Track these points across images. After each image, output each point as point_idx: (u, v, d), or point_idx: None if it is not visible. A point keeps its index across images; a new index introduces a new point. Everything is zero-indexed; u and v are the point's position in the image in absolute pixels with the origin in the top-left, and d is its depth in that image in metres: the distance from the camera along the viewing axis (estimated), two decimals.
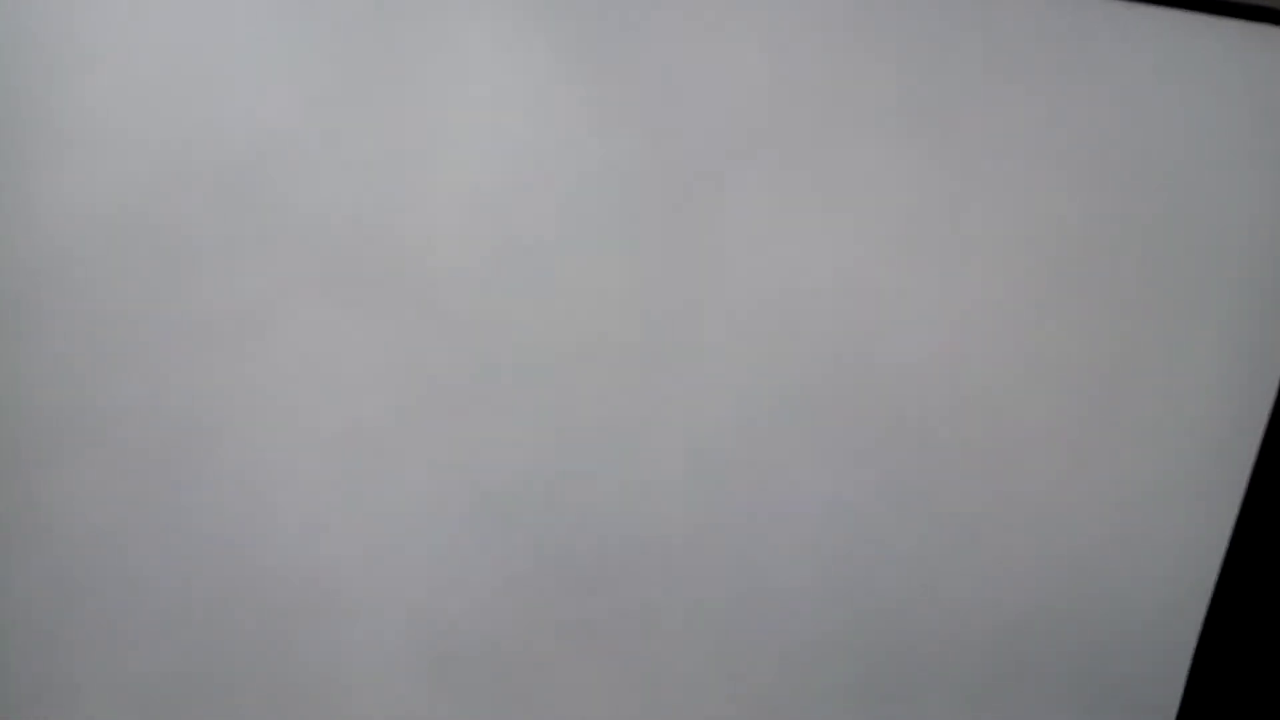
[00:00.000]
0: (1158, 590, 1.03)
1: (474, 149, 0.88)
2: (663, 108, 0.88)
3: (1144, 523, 1.01)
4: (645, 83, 0.87)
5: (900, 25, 0.87)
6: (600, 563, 0.99)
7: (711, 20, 0.86)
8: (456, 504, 0.97)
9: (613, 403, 0.95)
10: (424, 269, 0.90)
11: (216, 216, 0.88)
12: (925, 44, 0.88)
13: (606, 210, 0.90)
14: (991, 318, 0.95)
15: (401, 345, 0.92)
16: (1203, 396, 0.97)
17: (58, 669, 0.98)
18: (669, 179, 0.90)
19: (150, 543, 0.95)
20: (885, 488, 0.99)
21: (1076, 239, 0.93)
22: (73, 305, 0.89)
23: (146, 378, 0.91)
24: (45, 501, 0.94)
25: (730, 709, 1.05)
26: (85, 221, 0.87)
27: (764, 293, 0.93)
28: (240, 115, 0.86)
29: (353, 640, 0.99)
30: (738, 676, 1.04)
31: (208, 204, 0.87)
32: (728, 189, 0.90)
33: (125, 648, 0.98)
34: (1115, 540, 1.02)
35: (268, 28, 0.84)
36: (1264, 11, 0.86)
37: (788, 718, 1.05)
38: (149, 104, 0.85)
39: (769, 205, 0.91)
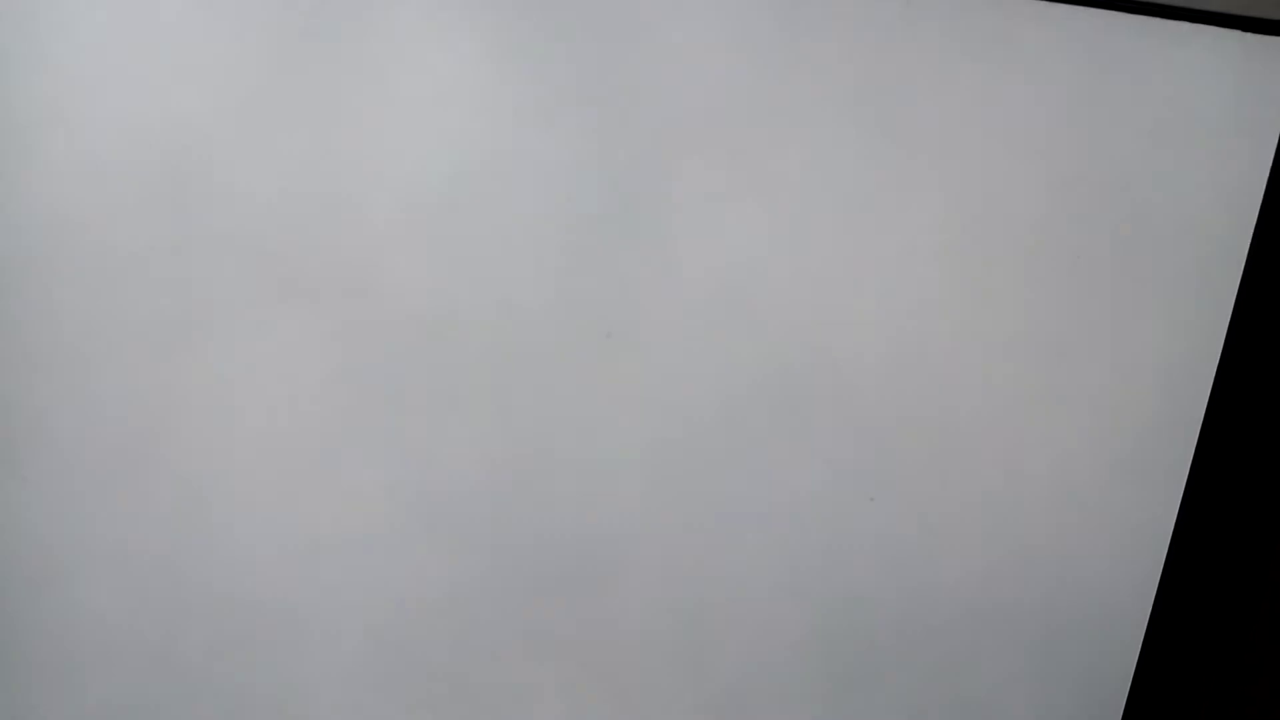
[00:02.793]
0: (1108, 568, 1.05)
1: (414, 146, 0.86)
2: (607, 99, 0.87)
3: (1093, 503, 1.03)
4: (588, 73, 0.86)
5: (847, 12, 0.87)
6: (561, 567, 0.99)
7: (655, 10, 0.85)
8: (410, 513, 0.95)
9: (567, 403, 0.94)
10: (368, 271, 0.88)
11: (151, 223, 0.85)
12: (871, 31, 0.88)
13: (552, 206, 0.89)
14: (942, 305, 0.96)
15: (348, 350, 0.90)
16: (1147, 379, 0.99)
17: (2, 704, 0.95)
18: (616, 172, 0.89)
19: (95, 566, 0.92)
20: (841, 478, 1.00)
21: (1024, 225, 0.94)
22: (2, 315, 0.86)
23: (83, 392, 0.88)
24: None
25: (696, 708, 1.05)
26: (14, 229, 0.84)
27: (717, 286, 0.93)
28: (172, 118, 0.83)
29: (309, 657, 0.97)
30: (702, 675, 1.04)
31: (142, 211, 0.84)
32: (677, 182, 0.90)
33: (75, 677, 0.95)
34: (1066, 521, 1.04)
35: (196, 29, 0.81)
36: (1214, 16, 0.88)
37: (754, 712, 1.06)
38: (77, 110, 0.82)
39: (719, 197, 0.91)
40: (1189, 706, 1.08)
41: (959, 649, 1.07)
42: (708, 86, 0.88)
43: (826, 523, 1.01)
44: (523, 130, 0.87)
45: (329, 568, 0.95)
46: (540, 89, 0.86)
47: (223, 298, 0.87)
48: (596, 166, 0.88)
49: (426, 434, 0.93)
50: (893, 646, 1.06)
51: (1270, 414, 0.99)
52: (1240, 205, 0.94)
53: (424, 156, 0.87)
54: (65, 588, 0.93)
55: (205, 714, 0.97)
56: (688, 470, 0.98)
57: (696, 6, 0.86)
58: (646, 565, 1.00)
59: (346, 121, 0.85)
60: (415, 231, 0.88)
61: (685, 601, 1.01)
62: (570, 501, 0.97)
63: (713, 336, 0.94)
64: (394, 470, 0.94)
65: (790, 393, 0.97)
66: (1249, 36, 0.90)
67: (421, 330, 0.90)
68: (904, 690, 1.07)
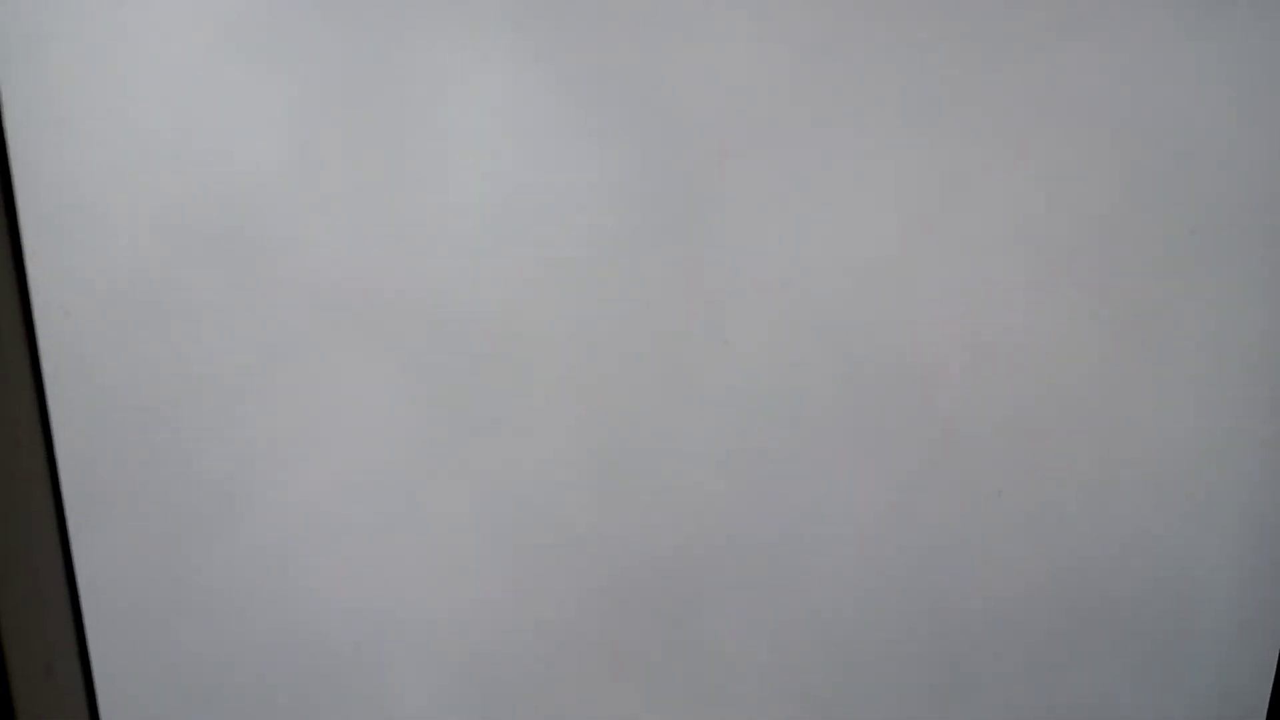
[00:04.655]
0: (1229, 562, 0.99)
1: (471, 174, 0.86)
2: (657, 110, 0.86)
3: (1204, 492, 0.97)
4: (636, 86, 0.85)
5: (892, 7, 0.84)
6: (648, 584, 0.97)
7: (700, 17, 0.84)
8: (493, 538, 0.95)
9: (641, 418, 0.93)
10: (434, 300, 0.88)
11: (220, 270, 0.86)
12: (920, 24, 0.85)
13: (611, 223, 0.88)
14: (1016, 293, 0.92)
15: (421, 381, 0.90)
16: (1246, 360, 0.94)
17: None
18: (671, 183, 0.87)
19: (189, 609, 0.94)
20: (929, 480, 0.96)
21: (1099, 203, 0.90)
22: (82, 378, 0.88)
23: (166, 446, 0.90)
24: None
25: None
26: (88, 292, 0.86)
27: (781, 290, 0.91)
28: (234, 168, 0.84)
29: (403, 687, 0.98)
30: (795, 686, 1.01)
31: (211, 260, 0.86)
32: (735, 189, 0.88)
33: (175, 718, 0.97)
34: (1176, 513, 0.98)
35: (251, 81, 0.82)
36: None
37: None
38: (140, 166, 0.83)
39: (777, 202, 0.88)
40: None
41: (1065, 652, 1.02)
42: (757, 91, 0.86)
43: (914, 527, 0.97)
44: (575, 150, 0.86)
45: (419, 596, 0.95)
46: (589, 106, 0.85)
47: (295, 343, 0.88)
48: (652, 180, 0.87)
49: (506, 461, 0.93)
50: (993, 653, 1.01)
51: None
52: None
53: (480, 188, 0.86)
54: (161, 631, 0.94)
55: None
56: (769, 484, 0.95)
57: (742, 11, 0.84)
58: (732, 583, 0.98)
59: (401, 158, 0.85)
60: (479, 261, 0.88)
61: (773, 609, 0.99)
62: (654, 517, 0.95)
63: (780, 340, 0.92)
64: (476, 497, 0.93)
65: (870, 395, 0.93)
66: None
67: (492, 357, 0.90)
68: (1006, 699, 1.02)
